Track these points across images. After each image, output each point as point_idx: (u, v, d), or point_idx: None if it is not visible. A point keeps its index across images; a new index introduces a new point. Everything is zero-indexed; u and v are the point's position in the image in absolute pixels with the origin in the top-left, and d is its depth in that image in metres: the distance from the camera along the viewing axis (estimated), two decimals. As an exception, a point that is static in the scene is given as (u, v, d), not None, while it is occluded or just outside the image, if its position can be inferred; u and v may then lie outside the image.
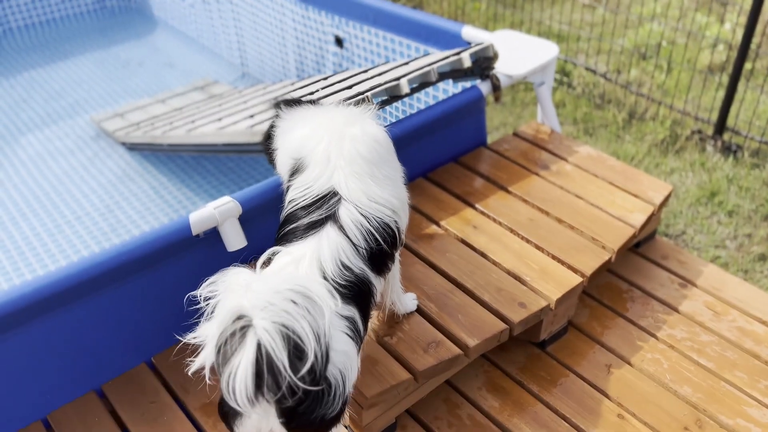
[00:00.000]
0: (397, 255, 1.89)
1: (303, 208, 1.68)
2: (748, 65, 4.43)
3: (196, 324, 1.35)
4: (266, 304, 1.28)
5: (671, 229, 3.38)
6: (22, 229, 3.41)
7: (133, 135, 3.80)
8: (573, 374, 2.28)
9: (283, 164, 1.91)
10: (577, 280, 2.25)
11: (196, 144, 3.33)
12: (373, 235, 1.66)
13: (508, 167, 2.80)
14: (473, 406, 2.19)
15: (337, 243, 1.61)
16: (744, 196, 3.55)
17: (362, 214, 1.66)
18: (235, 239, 2.19)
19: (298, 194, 1.73)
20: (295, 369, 1.28)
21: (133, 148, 3.95)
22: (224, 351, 1.28)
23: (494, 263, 2.34)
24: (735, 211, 3.47)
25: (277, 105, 2.06)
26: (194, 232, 2.12)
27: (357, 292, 1.60)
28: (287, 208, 1.74)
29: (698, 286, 2.57)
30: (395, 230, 1.74)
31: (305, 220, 1.65)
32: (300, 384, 1.29)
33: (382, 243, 1.68)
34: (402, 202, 1.80)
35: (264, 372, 1.26)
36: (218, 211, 2.13)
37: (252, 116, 3.09)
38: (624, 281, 2.62)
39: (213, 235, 2.20)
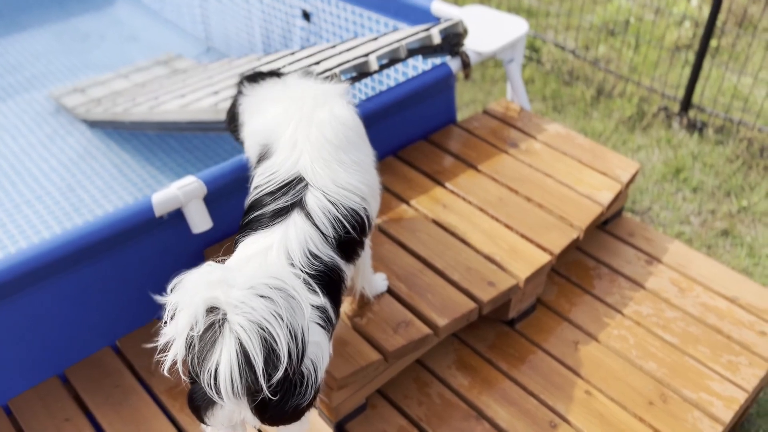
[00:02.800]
0: (367, 241, 1.86)
1: (269, 194, 1.64)
2: (713, 42, 4.47)
3: (161, 308, 1.30)
4: (241, 300, 1.24)
5: (638, 206, 3.41)
6: (-22, 209, 3.30)
7: (94, 112, 3.69)
8: (541, 351, 2.30)
9: (251, 149, 1.87)
10: (545, 258, 2.26)
11: (159, 121, 3.25)
12: (341, 222, 1.62)
13: (478, 145, 2.79)
14: (443, 384, 2.20)
15: (304, 231, 1.57)
16: (708, 173, 3.60)
17: (330, 201, 1.62)
18: (200, 221, 2.14)
19: (263, 180, 1.68)
20: (271, 370, 1.25)
21: (94, 124, 3.83)
22: (201, 344, 1.24)
23: (464, 242, 2.33)
24: (699, 187, 3.52)
25: (241, 82, 2.00)
26: (157, 214, 2.06)
27: (327, 281, 1.57)
28: (252, 195, 1.69)
29: (664, 262, 2.61)
30: (364, 217, 1.70)
31: (271, 207, 1.60)
32: (275, 382, 1.27)
33: (351, 230, 1.64)
34: (372, 189, 1.77)
35: (242, 369, 1.23)
36: (182, 191, 2.08)
37: (216, 93, 3.01)
38: (591, 258, 2.65)
39: (177, 216, 2.15)
